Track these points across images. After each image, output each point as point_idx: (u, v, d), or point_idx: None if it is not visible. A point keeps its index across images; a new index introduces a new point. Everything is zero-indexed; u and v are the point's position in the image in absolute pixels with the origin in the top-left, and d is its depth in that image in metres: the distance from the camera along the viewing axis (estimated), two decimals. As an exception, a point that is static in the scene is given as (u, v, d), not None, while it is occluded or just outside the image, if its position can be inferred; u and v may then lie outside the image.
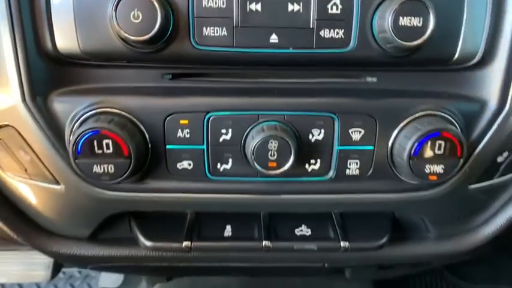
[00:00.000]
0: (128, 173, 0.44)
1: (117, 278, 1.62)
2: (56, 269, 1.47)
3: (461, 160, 0.45)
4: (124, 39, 0.42)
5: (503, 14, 0.45)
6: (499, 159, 0.51)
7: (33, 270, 1.46)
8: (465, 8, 0.44)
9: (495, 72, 0.47)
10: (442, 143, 0.44)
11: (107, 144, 0.43)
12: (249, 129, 0.46)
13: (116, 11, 0.40)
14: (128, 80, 0.47)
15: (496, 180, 0.54)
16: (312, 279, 1.41)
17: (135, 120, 0.45)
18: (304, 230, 0.56)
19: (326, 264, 0.63)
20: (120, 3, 0.40)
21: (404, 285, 1.61)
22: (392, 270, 0.73)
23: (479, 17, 0.45)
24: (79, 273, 1.73)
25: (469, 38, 0.45)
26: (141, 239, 0.55)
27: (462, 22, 0.44)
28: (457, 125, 0.46)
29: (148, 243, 0.54)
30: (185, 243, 0.53)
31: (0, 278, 1.52)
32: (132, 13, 0.40)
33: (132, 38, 0.40)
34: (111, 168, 0.43)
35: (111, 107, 0.45)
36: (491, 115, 0.48)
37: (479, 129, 0.48)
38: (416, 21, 0.40)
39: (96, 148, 0.43)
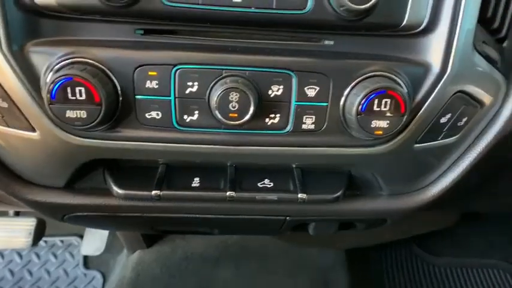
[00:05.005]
0: (98, 119, 0.47)
1: (99, 246, 1.66)
2: (38, 236, 1.50)
3: (405, 117, 0.50)
4: None
5: None
6: (442, 120, 0.56)
7: (14, 237, 1.49)
8: None
9: (438, 40, 0.51)
10: (388, 100, 0.49)
11: (80, 91, 0.46)
12: (213, 82, 0.49)
13: None
14: (102, 34, 0.50)
15: (440, 142, 0.59)
16: (289, 248, 1.49)
17: (106, 70, 0.48)
18: (266, 183, 0.61)
19: (288, 218, 0.68)
20: None
21: (374, 257, 1.70)
22: (352, 227, 0.79)
23: None
24: (61, 242, 1.76)
25: (416, 7, 0.49)
26: (114, 187, 0.59)
27: None
28: (403, 86, 0.51)
29: (120, 191, 0.58)
30: (155, 192, 0.57)
31: (-19, 244, 1.54)
32: None
33: None
34: (83, 114, 0.47)
35: (84, 57, 0.48)
36: (434, 78, 0.53)
37: (424, 91, 0.53)
38: None
39: (69, 94, 0.46)
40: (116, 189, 0.59)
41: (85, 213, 0.64)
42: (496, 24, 0.57)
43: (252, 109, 0.48)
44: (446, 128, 0.58)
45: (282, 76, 0.50)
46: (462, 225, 1.54)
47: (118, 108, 0.50)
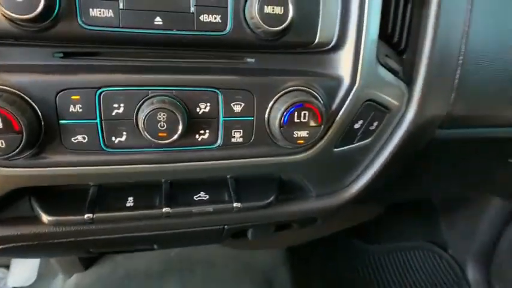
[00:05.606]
0: (20, 147, 0.45)
1: (29, 274, 1.54)
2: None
3: (322, 126, 0.56)
4: (7, 17, 0.43)
5: (349, 10, 0.56)
6: (356, 126, 0.63)
7: None
8: (320, 5, 0.54)
9: (346, 55, 0.58)
10: (306, 112, 0.54)
11: None
12: (140, 103, 0.50)
13: None
14: (17, 58, 0.48)
15: (356, 145, 0.66)
16: (232, 254, 1.51)
17: (25, 96, 0.47)
18: (202, 196, 0.63)
19: (226, 226, 0.71)
20: None
21: (316, 253, 1.79)
22: (288, 228, 0.83)
23: (332, 11, 0.55)
24: (-16, 275, 1.59)
25: (325, 27, 0.55)
26: (43, 214, 0.56)
27: (319, 14, 0.54)
28: (319, 98, 0.56)
29: (50, 218, 0.56)
30: (87, 215, 0.56)
31: None
32: None
33: (15, 16, 0.42)
34: (2, 143, 0.45)
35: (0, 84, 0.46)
36: (346, 90, 0.59)
37: (338, 101, 0.59)
38: (278, 10, 0.49)
39: None
40: (45, 216, 0.56)
41: (11, 245, 0.60)
42: (395, 39, 0.65)
43: (180, 128, 0.50)
44: (360, 133, 0.64)
45: (209, 94, 0.53)
46: (392, 215, 1.70)
47: (41, 134, 0.48)
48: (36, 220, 0.58)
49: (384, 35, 0.62)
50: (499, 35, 0.69)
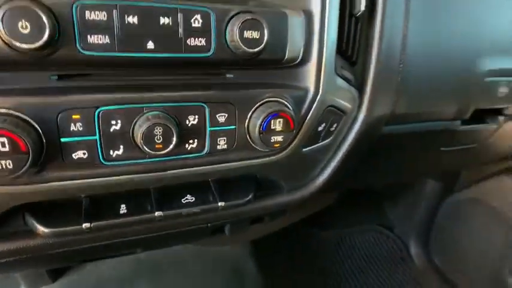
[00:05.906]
0: (26, 167, 0.49)
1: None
2: None
3: (294, 131, 0.65)
4: (11, 46, 0.46)
5: (312, 32, 0.65)
6: (319, 128, 0.73)
7: None
8: (288, 29, 0.62)
9: (310, 69, 0.67)
10: (281, 120, 0.63)
11: (3, 143, 0.47)
12: (136, 119, 0.55)
13: (2, 22, 0.44)
14: (14, 82, 0.51)
15: (320, 144, 0.77)
16: (201, 251, 1.57)
17: (28, 119, 0.50)
18: (189, 199, 0.69)
19: (209, 224, 0.78)
20: (5, 15, 0.44)
21: (279, 243, 1.91)
22: (261, 223, 0.92)
23: (298, 34, 0.64)
24: None
25: (292, 46, 0.63)
26: (39, 227, 0.59)
27: (287, 36, 0.63)
28: (290, 107, 0.65)
29: (47, 230, 0.59)
30: (85, 225, 0.59)
31: None
32: (20, 23, 0.45)
33: (20, 45, 0.45)
34: (9, 164, 0.48)
35: (2, 108, 0.49)
36: (311, 98, 0.68)
37: (305, 108, 0.69)
38: (255, 34, 0.57)
39: None
40: (42, 229, 0.59)
41: (4, 260, 0.62)
42: (349, 53, 0.76)
43: (174, 139, 0.56)
44: (323, 134, 0.75)
45: (196, 108, 0.59)
46: (344, 204, 1.86)
47: (43, 152, 0.52)
48: (30, 234, 0.61)
49: (340, 50, 0.73)
50: (430, 47, 0.83)
